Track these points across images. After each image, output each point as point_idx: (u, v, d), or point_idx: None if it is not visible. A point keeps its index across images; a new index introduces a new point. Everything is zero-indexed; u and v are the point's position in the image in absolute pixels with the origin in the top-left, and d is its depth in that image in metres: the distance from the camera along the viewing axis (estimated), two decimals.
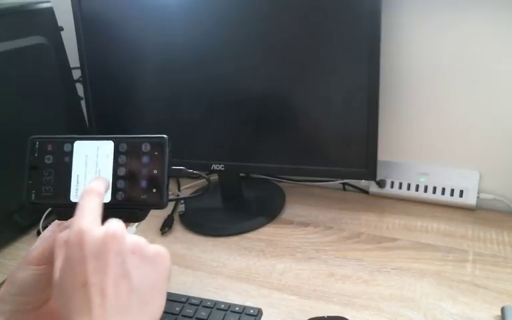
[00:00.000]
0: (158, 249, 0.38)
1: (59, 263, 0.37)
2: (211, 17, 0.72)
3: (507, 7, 0.68)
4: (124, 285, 0.35)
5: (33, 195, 0.46)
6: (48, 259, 0.42)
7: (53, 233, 0.44)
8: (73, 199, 0.44)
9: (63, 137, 0.46)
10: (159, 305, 0.37)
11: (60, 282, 0.36)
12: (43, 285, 0.42)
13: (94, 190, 0.40)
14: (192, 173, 0.47)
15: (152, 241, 0.35)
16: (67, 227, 0.42)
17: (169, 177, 0.44)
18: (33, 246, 0.43)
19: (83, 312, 0.34)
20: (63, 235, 0.38)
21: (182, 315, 0.57)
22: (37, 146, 0.46)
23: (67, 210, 0.44)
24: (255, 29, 0.71)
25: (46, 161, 0.45)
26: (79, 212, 0.38)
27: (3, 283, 0.43)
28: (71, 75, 0.91)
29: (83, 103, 0.89)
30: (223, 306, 0.57)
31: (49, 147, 0.46)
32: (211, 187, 0.50)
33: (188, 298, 0.59)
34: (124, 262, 0.35)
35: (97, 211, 0.39)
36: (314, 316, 0.56)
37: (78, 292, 0.34)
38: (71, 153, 0.45)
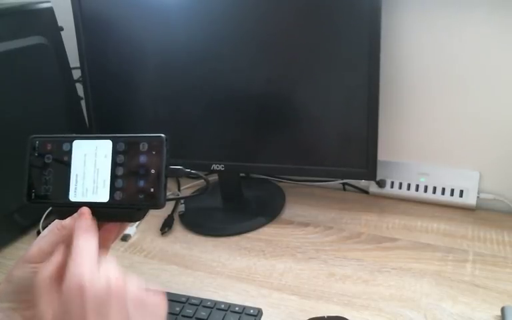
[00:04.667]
0: (157, 298, 0.39)
1: (49, 309, 0.35)
2: (210, 16, 0.72)
3: (507, 7, 0.68)
4: None
5: (33, 194, 0.46)
6: (46, 257, 0.42)
7: (51, 232, 0.44)
8: (71, 198, 0.44)
9: (63, 137, 0.46)
10: None
11: None
12: None
13: (90, 230, 0.39)
14: (190, 173, 0.47)
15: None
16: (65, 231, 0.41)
17: (166, 177, 0.44)
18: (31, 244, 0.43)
19: None
20: (45, 273, 0.37)
21: (182, 315, 0.56)
22: (36, 145, 0.46)
23: (66, 209, 0.44)
24: (254, 28, 0.71)
25: (45, 160, 0.45)
26: (76, 256, 0.36)
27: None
28: (71, 75, 0.91)
29: (82, 102, 0.89)
30: (222, 306, 0.57)
31: (49, 147, 0.46)
32: (210, 187, 0.50)
33: (188, 298, 0.59)
34: (126, 317, 0.35)
35: (95, 255, 0.37)
36: (314, 316, 0.56)
37: None
38: (70, 152, 0.45)
